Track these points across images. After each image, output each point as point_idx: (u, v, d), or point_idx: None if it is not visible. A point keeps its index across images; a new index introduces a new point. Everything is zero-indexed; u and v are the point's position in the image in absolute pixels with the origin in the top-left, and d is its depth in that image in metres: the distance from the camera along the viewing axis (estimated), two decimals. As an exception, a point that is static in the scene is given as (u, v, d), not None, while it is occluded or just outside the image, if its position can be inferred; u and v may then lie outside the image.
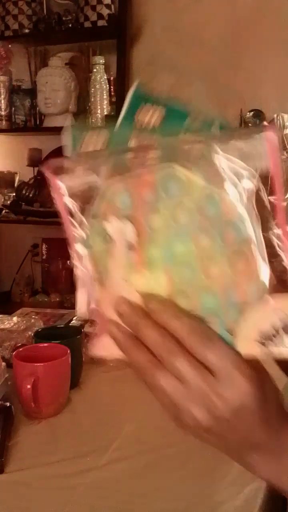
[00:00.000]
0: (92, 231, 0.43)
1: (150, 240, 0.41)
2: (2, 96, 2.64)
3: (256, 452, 0.44)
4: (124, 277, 0.42)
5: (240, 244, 0.40)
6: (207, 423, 0.41)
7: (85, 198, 0.42)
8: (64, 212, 0.43)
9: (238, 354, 0.40)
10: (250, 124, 2.11)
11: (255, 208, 0.40)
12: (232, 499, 0.72)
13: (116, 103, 2.46)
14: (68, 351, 0.96)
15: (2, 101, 2.64)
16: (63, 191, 0.42)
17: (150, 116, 0.45)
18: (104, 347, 0.45)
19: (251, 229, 0.40)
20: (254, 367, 0.41)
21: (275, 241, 0.40)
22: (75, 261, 0.43)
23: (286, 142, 2.06)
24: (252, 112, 2.14)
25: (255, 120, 2.12)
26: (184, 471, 0.78)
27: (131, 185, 0.41)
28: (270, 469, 0.45)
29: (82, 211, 0.43)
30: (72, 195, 0.42)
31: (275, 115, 2.08)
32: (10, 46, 2.65)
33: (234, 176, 0.39)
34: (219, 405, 0.40)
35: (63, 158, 0.43)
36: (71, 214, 0.43)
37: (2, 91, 2.64)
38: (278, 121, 2.06)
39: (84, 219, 0.43)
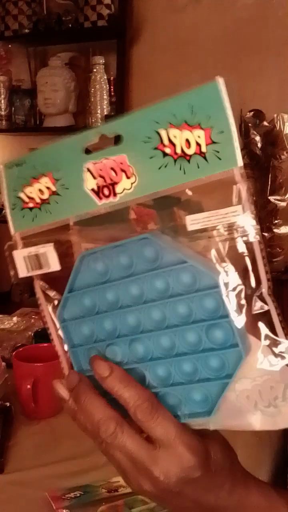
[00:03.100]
0: None
1: None
2: (2, 96, 2.65)
3: None
4: None
5: None
6: (154, 493, 0.42)
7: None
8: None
9: (181, 425, 0.41)
10: (250, 124, 2.11)
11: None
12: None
13: (116, 103, 2.47)
14: (68, 351, 0.96)
15: (2, 101, 2.65)
16: None
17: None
18: None
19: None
20: (201, 434, 0.41)
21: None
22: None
23: (286, 142, 2.06)
24: (252, 112, 2.14)
25: (255, 120, 2.12)
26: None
27: None
28: None
29: None
30: None
31: (275, 115, 2.08)
32: (10, 46, 2.65)
33: None
34: (162, 478, 0.40)
35: None
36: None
37: (2, 91, 2.64)
38: (278, 121, 2.06)
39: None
